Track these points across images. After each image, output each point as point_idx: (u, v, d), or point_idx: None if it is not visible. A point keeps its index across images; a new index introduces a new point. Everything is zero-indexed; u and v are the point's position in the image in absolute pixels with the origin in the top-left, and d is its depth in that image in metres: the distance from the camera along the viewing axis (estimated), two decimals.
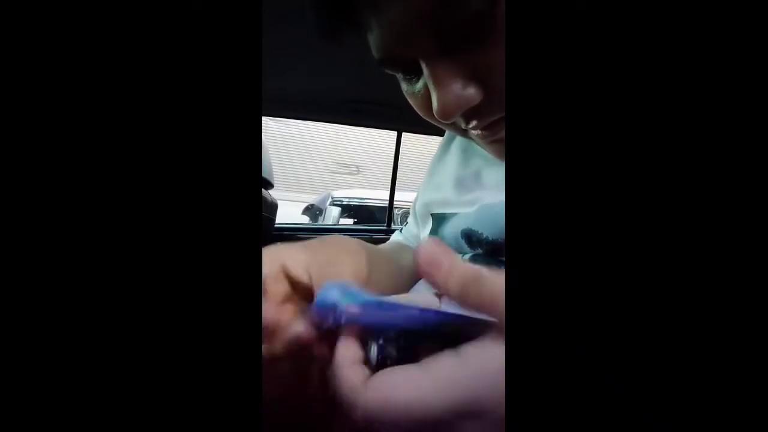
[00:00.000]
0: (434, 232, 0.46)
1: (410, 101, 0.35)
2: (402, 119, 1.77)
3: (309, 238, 0.32)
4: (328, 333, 0.24)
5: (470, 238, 0.40)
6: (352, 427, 0.20)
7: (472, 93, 0.28)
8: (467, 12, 0.25)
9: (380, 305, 0.24)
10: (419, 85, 0.32)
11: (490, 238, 0.38)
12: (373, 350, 0.23)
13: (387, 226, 2.12)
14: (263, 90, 0.21)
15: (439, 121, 0.32)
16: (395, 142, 1.94)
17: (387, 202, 2.13)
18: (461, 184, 0.46)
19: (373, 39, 0.30)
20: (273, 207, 1.56)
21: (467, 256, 0.40)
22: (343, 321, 0.23)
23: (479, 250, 0.39)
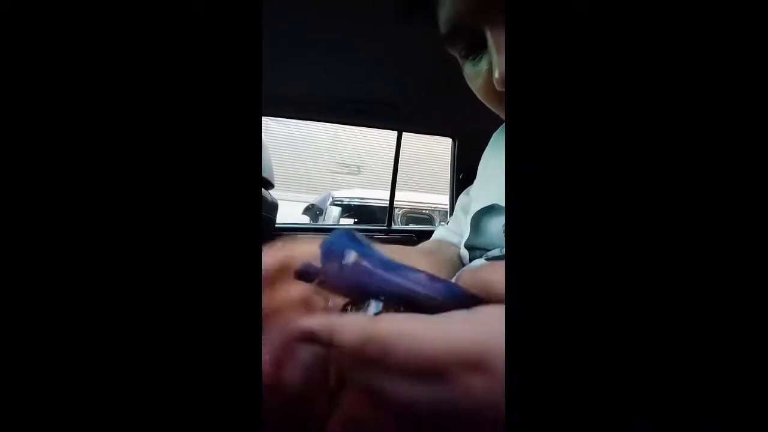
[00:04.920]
0: (476, 226, 0.47)
1: (472, 85, 0.37)
2: (402, 119, 1.77)
3: (309, 238, 0.32)
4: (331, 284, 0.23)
5: None
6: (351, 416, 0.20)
7: None
8: None
9: (388, 263, 0.22)
10: (482, 63, 0.34)
11: None
12: (372, 306, 0.22)
13: (387, 225, 2.11)
14: (263, 90, 0.21)
15: (493, 101, 0.34)
16: (395, 142, 1.94)
17: (387, 202, 2.12)
18: None
19: (444, 12, 0.33)
20: (273, 207, 1.56)
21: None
22: (349, 267, 0.22)
23: None
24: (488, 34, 0.31)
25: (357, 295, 0.23)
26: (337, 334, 0.20)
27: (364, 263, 0.22)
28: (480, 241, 0.46)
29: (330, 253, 0.23)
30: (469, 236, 0.48)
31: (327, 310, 0.24)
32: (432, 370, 0.18)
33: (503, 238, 0.42)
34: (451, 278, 0.43)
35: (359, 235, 0.25)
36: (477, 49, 0.34)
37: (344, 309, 0.23)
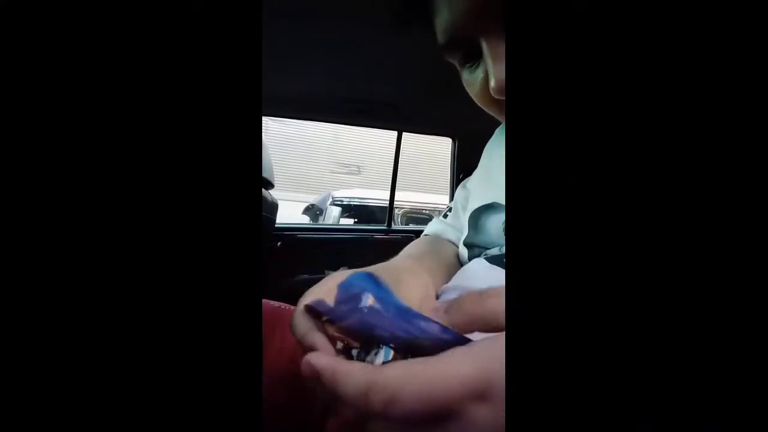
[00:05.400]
0: (475, 224, 0.47)
1: (470, 91, 0.37)
2: (402, 119, 1.76)
3: (309, 238, 0.32)
4: (343, 325, 0.23)
5: None
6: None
7: None
8: None
9: (403, 310, 0.22)
10: (479, 71, 0.35)
11: None
12: (382, 353, 0.22)
13: (387, 225, 2.11)
14: (263, 90, 0.21)
15: (492, 107, 0.35)
16: (395, 142, 1.94)
17: (387, 202, 2.12)
18: None
19: (441, 22, 0.34)
20: (273, 207, 1.56)
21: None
22: (365, 310, 0.22)
23: None
24: (483, 44, 0.31)
25: (367, 339, 0.22)
26: (341, 383, 0.20)
27: (379, 308, 0.22)
28: (479, 239, 0.46)
29: (347, 293, 0.23)
30: (468, 234, 0.48)
31: (336, 351, 0.23)
32: (442, 410, 0.18)
33: (503, 237, 0.42)
34: (449, 281, 0.43)
35: (380, 278, 0.24)
36: (473, 57, 0.34)
37: (350, 351, 0.23)
